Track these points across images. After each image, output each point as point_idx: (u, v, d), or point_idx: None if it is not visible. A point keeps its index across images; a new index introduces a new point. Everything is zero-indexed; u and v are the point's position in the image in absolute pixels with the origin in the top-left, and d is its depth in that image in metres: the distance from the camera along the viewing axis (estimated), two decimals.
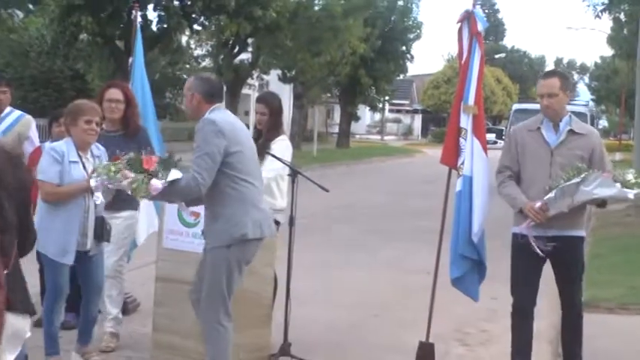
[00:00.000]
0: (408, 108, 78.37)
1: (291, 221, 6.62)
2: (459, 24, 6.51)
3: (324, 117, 59.84)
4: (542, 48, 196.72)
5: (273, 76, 40.91)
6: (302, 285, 7.65)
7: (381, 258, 12.10)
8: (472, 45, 6.42)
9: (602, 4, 22.54)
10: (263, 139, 7.03)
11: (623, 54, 37.49)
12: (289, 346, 6.59)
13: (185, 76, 38.74)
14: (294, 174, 6.63)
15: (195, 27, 30.03)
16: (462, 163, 6.39)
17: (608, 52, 49.48)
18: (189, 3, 27.06)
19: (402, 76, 58.05)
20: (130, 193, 5.40)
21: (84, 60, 30.46)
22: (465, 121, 6.43)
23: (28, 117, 7.93)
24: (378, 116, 72.71)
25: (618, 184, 5.65)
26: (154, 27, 27.27)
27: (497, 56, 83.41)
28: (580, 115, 22.77)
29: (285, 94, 41.18)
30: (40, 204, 6.07)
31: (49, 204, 6.03)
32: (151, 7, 26.99)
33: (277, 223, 6.96)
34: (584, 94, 77.57)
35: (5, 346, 2.87)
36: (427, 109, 72.72)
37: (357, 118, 54.28)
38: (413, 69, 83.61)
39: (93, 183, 5.58)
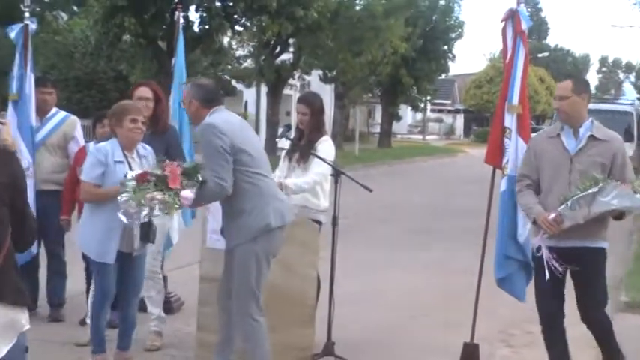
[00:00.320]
0: (449, 108, 77.97)
1: (334, 221, 6.62)
2: (503, 23, 6.46)
3: (366, 117, 59.71)
4: (587, 46, 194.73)
5: (314, 77, 40.90)
6: (345, 285, 7.65)
7: (425, 258, 12.05)
8: (516, 44, 6.37)
9: None
10: (305, 139, 7.04)
11: None
12: (333, 346, 6.58)
13: (227, 77, 38.94)
14: (337, 174, 6.62)
15: (237, 28, 30.09)
16: (507, 163, 6.34)
17: None
18: (230, 4, 27.11)
19: (443, 76, 57.75)
20: (163, 214, 5.55)
21: (127, 61, 30.67)
22: (510, 121, 6.38)
23: (74, 117, 8.03)
24: (419, 116, 72.43)
25: (638, 195, 5.50)
26: (195, 28, 27.36)
27: (540, 55, 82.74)
28: (626, 115, 22.70)
29: (327, 94, 41.13)
30: (85, 205, 6.13)
31: (92, 205, 6.07)
32: (193, 8, 27.09)
33: (320, 223, 6.98)
34: (629, 93, 76.68)
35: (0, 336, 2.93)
36: (469, 109, 72.25)
37: (398, 118, 54.08)
38: (455, 68, 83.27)
39: (121, 200, 5.58)
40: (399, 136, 63.22)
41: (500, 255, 6.30)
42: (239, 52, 38.44)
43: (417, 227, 15.43)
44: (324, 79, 40.38)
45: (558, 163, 5.79)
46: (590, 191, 5.47)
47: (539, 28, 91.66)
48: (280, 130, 7.28)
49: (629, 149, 15.15)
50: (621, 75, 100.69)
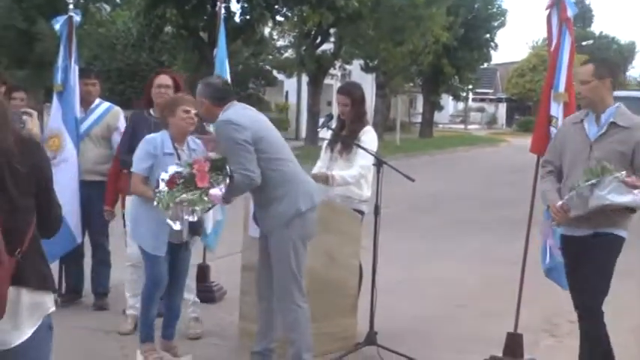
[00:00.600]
0: (491, 97, 77.41)
1: (377, 211, 6.59)
2: (548, 10, 6.38)
3: (407, 106, 59.51)
4: (632, 33, 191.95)
5: (355, 66, 40.82)
6: (387, 275, 7.63)
7: (467, 248, 11.99)
8: (562, 31, 6.29)
9: None
10: (347, 130, 7.02)
11: None
12: (375, 335, 6.57)
13: (268, 67, 39.00)
14: (379, 164, 6.60)
15: (278, 18, 30.12)
16: None
17: None
18: None
19: (485, 65, 57.34)
20: (195, 213, 5.60)
21: (169, 52, 30.89)
22: (556, 109, 6.30)
23: (117, 108, 8.08)
24: (461, 105, 72.04)
25: (637, 191, 5.23)
26: (237, 19, 27.44)
27: (584, 43, 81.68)
28: None
29: (368, 83, 41.03)
30: (136, 197, 6.12)
31: (143, 198, 6.05)
32: None
33: (362, 213, 6.97)
34: None
35: (25, 319, 3.06)
36: (512, 98, 71.72)
37: (440, 108, 53.83)
38: (497, 57, 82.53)
39: (167, 216, 5.66)
40: (441, 125, 62.92)
41: (547, 245, 6.25)
42: (280, 43, 38.51)
43: (459, 217, 15.36)
44: (365, 69, 40.28)
45: (578, 149, 5.62)
46: (588, 183, 5.29)
47: (584, 15, 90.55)
48: (322, 120, 7.27)
49: None
50: None
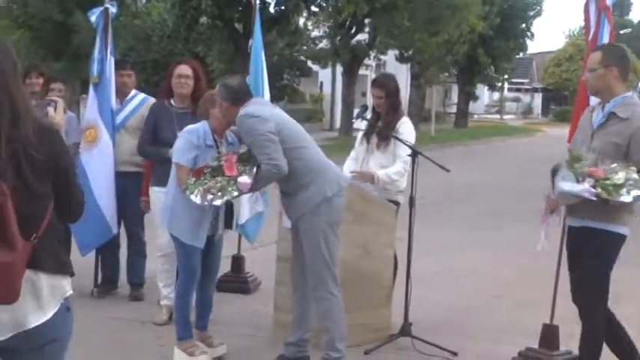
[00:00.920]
0: (527, 87, 76.85)
1: (412, 201, 6.57)
2: None
3: (442, 97, 59.27)
4: None
5: (390, 57, 40.68)
6: (422, 265, 7.60)
7: (502, 238, 11.93)
8: (600, 20, 6.21)
9: None
10: (383, 122, 7.01)
11: None
12: (410, 326, 6.56)
13: (302, 58, 38.95)
14: (414, 154, 6.58)
15: (313, 8, 30.12)
16: None
17: None
18: None
19: (521, 54, 56.94)
20: (225, 198, 5.61)
21: (204, 43, 30.91)
22: (593, 99, 6.22)
23: (152, 99, 8.11)
24: (496, 95, 71.58)
25: (587, 182, 5.15)
26: (271, 9, 27.44)
27: (622, 32, 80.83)
28: None
29: (403, 74, 40.88)
30: (177, 187, 6.02)
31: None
32: None
33: (397, 203, 6.95)
34: None
35: (47, 301, 3.14)
36: (548, 88, 71.17)
37: (475, 98, 53.55)
38: (533, 47, 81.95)
39: (197, 201, 5.66)
40: (476, 115, 62.60)
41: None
42: (315, 33, 38.43)
43: (494, 208, 15.28)
44: (400, 59, 40.13)
45: (584, 138, 5.58)
46: (559, 172, 5.34)
47: (622, 3, 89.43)
48: (356, 111, 7.25)
49: None
50: None
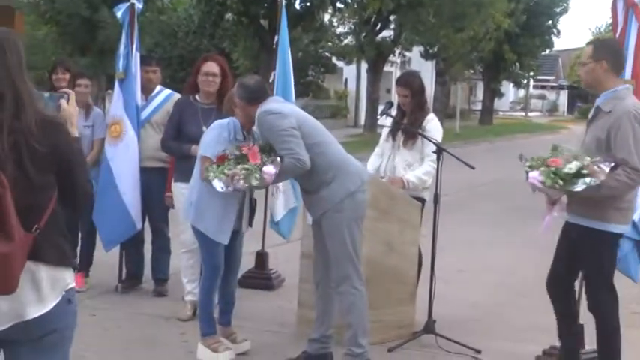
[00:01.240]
0: (553, 84, 76.47)
1: (436, 199, 6.55)
2: None
3: (467, 94, 59.07)
4: None
5: (415, 53, 40.60)
6: (447, 263, 7.58)
7: (527, 236, 11.84)
8: (628, 17, 6.16)
9: None
10: (409, 119, 6.98)
11: None
12: (434, 324, 6.54)
13: (327, 54, 38.94)
14: (439, 152, 6.55)
15: (338, 5, 30.08)
16: None
17: None
18: None
19: (547, 51, 56.67)
20: (248, 185, 5.57)
21: (229, 39, 30.99)
22: None
23: (177, 95, 8.12)
24: (522, 92, 71.28)
25: (535, 172, 5.25)
26: (297, 5, 27.45)
27: None
28: None
29: (428, 70, 40.81)
30: (203, 183, 5.96)
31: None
32: None
33: (423, 200, 6.93)
34: None
35: (48, 293, 3.15)
36: (573, 85, 70.76)
37: (500, 95, 53.37)
38: (559, 44, 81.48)
39: (217, 187, 5.64)
40: (501, 112, 62.36)
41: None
42: (340, 30, 38.41)
43: (518, 205, 15.17)
44: (425, 56, 40.06)
45: (583, 132, 5.66)
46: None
47: None
48: (381, 108, 7.24)
49: None
50: None
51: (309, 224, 6.31)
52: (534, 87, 74.20)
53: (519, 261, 10.12)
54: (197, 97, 7.32)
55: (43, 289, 3.15)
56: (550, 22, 48.00)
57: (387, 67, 37.01)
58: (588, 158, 5.17)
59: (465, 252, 10.32)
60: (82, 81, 7.92)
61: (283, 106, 5.82)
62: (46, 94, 3.38)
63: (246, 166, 5.55)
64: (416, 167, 6.89)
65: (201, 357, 6.11)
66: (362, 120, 37.06)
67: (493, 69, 47.29)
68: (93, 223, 7.80)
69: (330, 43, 38.77)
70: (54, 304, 3.16)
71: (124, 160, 7.71)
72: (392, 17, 32.21)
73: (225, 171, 5.59)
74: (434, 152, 6.58)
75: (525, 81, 57.67)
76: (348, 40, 37.12)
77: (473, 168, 6.78)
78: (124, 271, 8.10)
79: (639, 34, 6.19)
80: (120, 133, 7.75)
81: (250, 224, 6.43)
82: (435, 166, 6.65)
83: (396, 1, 27.67)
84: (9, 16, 21.17)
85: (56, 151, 3.13)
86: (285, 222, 8.20)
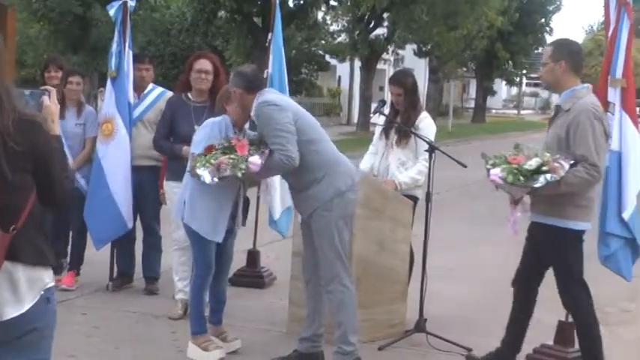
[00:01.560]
0: None
1: (428, 197, 6.55)
2: None
3: (460, 91, 59.11)
4: None
5: (408, 51, 40.64)
6: (438, 261, 7.58)
7: (519, 234, 11.85)
8: (620, 15, 6.16)
9: None
10: (402, 118, 6.97)
11: None
12: (425, 322, 6.54)
13: (321, 52, 38.95)
14: (431, 150, 6.55)
15: (332, 2, 30.12)
16: (610, 138, 6.14)
17: None
18: None
19: (540, 50, 56.72)
20: (233, 174, 5.53)
21: (222, 37, 30.98)
22: (613, 95, 6.17)
23: (170, 93, 8.10)
24: (514, 90, 71.38)
25: (496, 169, 5.35)
26: (290, 3, 27.45)
27: None
28: None
29: (421, 68, 40.84)
30: (195, 183, 5.89)
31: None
32: None
33: (415, 198, 6.93)
34: None
35: (25, 293, 3.13)
36: None
37: (493, 93, 53.44)
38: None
39: (205, 177, 5.62)
40: (494, 110, 62.45)
41: (604, 232, 6.15)
42: (333, 27, 38.45)
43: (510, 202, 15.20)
44: (419, 54, 40.12)
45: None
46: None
47: None
48: (374, 106, 7.23)
49: None
50: None
51: (299, 222, 6.32)
52: (527, 85, 74.31)
53: (511, 258, 10.04)
54: (189, 95, 7.30)
55: (21, 290, 3.12)
56: (543, 20, 48.11)
57: (380, 65, 37.05)
58: (548, 154, 5.26)
59: (457, 250, 10.33)
60: (74, 79, 7.90)
61: (282, 99, 5.81)
62: (27, 92, 3.34)
63: (232, 156, 5.53)
64: (409, 166, 6.89)
65: (192, 356, 6.09)
66: (355, 118, 37.08)
67: (486, 67, 47.36)
68: (84, 222, 7.77)
69: (323, 41, 38.79)
70: (31, 304, 3.14)
71: (116, 159, 7.69)
72: (385, 15, 32.25)
73: (212, 160, 5.58)
74: (426, 150, 6.58)
75: (518, 79, 57.77)
76: (342, 37, 37.17)
77: (465, 166, 6.79)
78: (115, 269, 8.08)
79: (631, 33, 6.19)
80: (112, 131, 7.73)
81: (244, 223, 6.42)
82: (428, 164, 6.64)
83: None
84: (0, 13, 21.13)
85: (34, 150, 3.10)
86: (283, 219, 8.18)
